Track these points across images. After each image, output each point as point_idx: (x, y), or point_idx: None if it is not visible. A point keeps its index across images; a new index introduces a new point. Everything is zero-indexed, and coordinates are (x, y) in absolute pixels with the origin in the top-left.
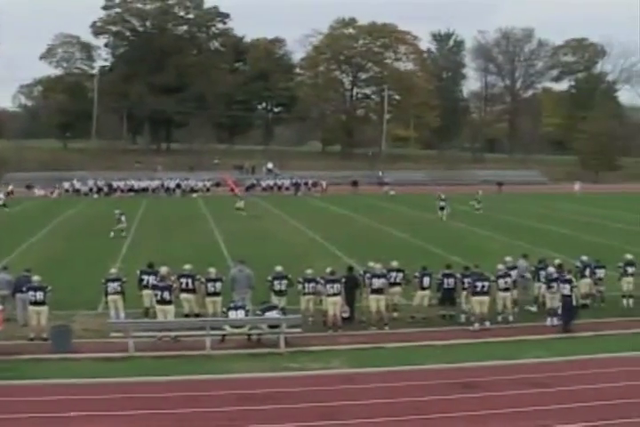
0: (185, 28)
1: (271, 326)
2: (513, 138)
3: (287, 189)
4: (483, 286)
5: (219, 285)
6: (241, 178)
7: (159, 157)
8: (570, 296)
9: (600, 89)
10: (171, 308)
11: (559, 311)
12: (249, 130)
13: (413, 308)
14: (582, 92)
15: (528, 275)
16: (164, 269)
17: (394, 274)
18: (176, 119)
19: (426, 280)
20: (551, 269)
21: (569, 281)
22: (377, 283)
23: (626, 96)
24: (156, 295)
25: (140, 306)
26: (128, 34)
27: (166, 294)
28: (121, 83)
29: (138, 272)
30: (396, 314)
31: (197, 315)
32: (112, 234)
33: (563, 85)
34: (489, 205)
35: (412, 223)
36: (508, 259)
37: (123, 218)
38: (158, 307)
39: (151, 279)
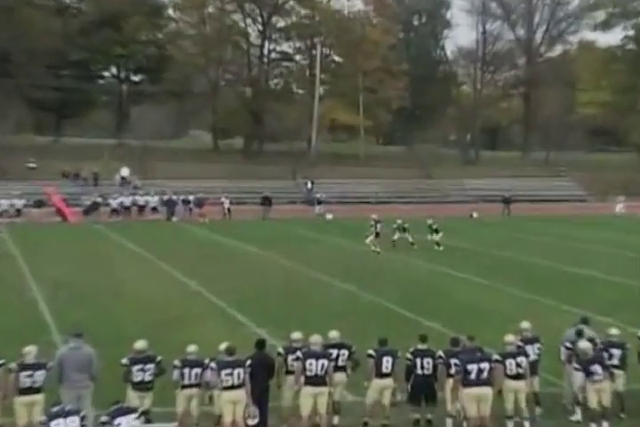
0: None
1: None
2: (529, 126)
3: (155, 210)
4: (480, 372)
5: (40, 375)
6: (74, 193)
7: None
8: None
9: None
10: None
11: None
12: (89, 112)
13: (367, 408)
14: None
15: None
16: None
17: (334, 352)
18: None
19: (386, 362)
20: (585, 344)
21: None
22: (315, 367)
23: None
24: None
25: None
26: None
27: None
28: None
29: None
30: (337, 419)
31: None
32: None
33: (613, 37)
34: (489, 235)
35: (361, 268)
36: (524, 325)
37: None
38: None
39: None
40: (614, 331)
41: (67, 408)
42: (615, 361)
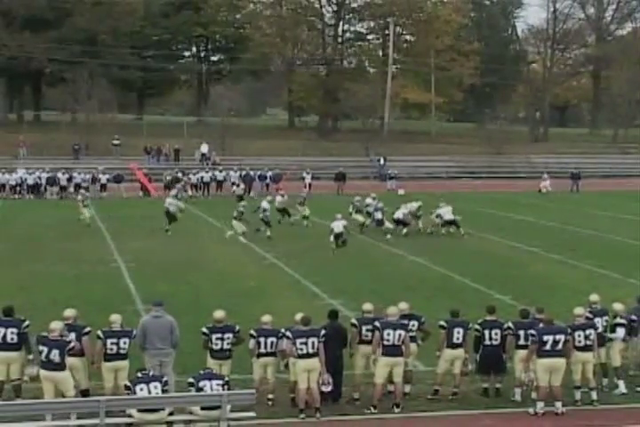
0: None
1: (207, 409)
2: (598, 103)
3: (235, 185)
4: (556, 343)
5: (125, 342)
6: (156, 168)
7: (21, 134)
8: None
9: None
10: (64, 376)
11: None
12: (170, 91)
13: (437, 377)
14: None
15: None
16: (56, 325)
17: (404, 323)
18: (49, 72)
19: (457, 333)
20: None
21: None
22: (392, 337)
23: None
24: (40, 353)
25: None
26: None
27: (55, 355)
28: None
29: None
30: (408, 388)
31: (85, 392)
32: None
33: None
34: (558, 210)
35: (433, 242)
36: (593, 298)
37: None
38: (44, 374)
39: (10, 334)
40: None
41: (150, 374)
42: None
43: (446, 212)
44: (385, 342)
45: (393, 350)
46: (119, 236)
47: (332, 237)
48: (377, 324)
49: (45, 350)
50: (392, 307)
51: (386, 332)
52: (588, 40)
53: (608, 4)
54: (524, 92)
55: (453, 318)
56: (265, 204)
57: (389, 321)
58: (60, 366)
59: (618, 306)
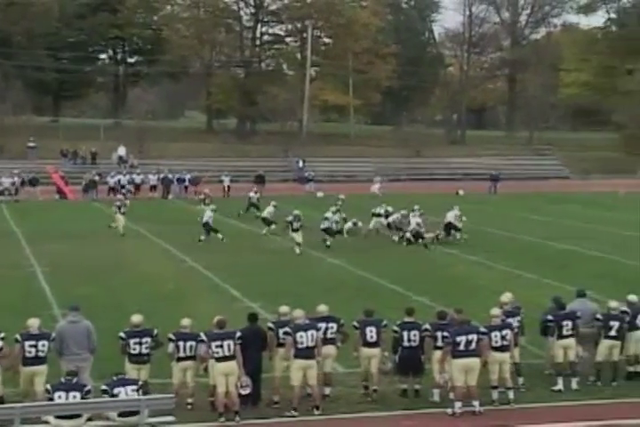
0: None
1: (125, 414)
2: (514, 106)
3: (153, 188)
4: (469, 343)
5: (44, 344)
6: (73, 171)
7: None
8: None
9: None
10: None
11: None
12: (86, 93)
13: (357, 378)
14: (631, 30)
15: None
16: None
17: (322, 325)
18: None
19: (370, 332)
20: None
21: None
22: (305, 339)
23: None
24: None
25: None
26: None
27: None
28: None
29: None
30: (328, 390)
31: (0, 399)
32: None
33: (596, 20)
34: (475, 212)
35: (351, 244)
36: (506, 298)
37: None
38: None
39: None
40: (614, 304)
41: (73, 382)
42: (613, 333)
43: (450, 216)
44: (298, 346)
45: (306, 353)
46: (35, 239)
47: (409, 235)
48: (288, 329)
49: None
50: (297, 310)
51: (298, 335)
52: (504, 44)
53: (522, 8)
54: (441, 94)
55: (368, 317)
56: (329, 214)
57: (299, 324)
58: None
59: (506, 297)
